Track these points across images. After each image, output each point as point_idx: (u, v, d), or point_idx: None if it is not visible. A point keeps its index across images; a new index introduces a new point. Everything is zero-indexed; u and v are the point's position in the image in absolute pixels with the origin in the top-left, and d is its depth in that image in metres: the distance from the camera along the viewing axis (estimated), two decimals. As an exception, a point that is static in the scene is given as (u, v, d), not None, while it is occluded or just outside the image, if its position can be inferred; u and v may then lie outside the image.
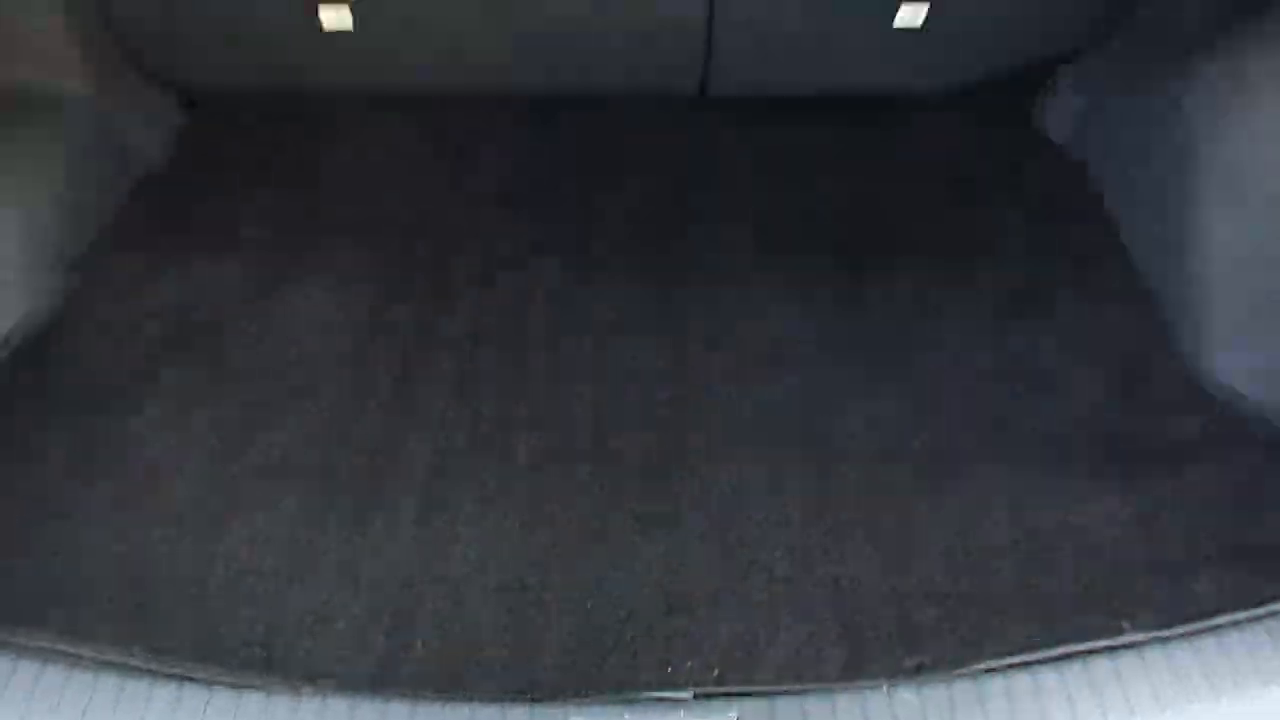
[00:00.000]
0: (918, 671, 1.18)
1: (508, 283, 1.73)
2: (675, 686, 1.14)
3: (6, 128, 1.71)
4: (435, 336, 1.63)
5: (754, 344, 1.63)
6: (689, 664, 1.21)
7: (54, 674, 1.11)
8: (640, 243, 1.80)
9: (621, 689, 1.15)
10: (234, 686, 1.12)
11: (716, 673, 1.20)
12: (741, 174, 1.97)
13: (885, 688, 1.13)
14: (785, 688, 1.14)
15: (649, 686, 1.15)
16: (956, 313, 1.67)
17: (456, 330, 1.64)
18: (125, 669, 1.14)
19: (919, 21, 1.98)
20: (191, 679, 1.12)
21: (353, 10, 1.91)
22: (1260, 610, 1.20)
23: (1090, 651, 1.17)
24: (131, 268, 1.71)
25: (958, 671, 1.16)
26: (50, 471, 1.41)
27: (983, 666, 1.17)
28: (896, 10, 1.95)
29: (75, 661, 1.14)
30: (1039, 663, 1.16)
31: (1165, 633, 1.19)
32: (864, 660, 1.21)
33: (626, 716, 1.09)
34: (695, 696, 1.12)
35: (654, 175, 1.95)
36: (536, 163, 1.99)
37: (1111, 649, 1.17)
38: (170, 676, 1.13)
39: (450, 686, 1.17)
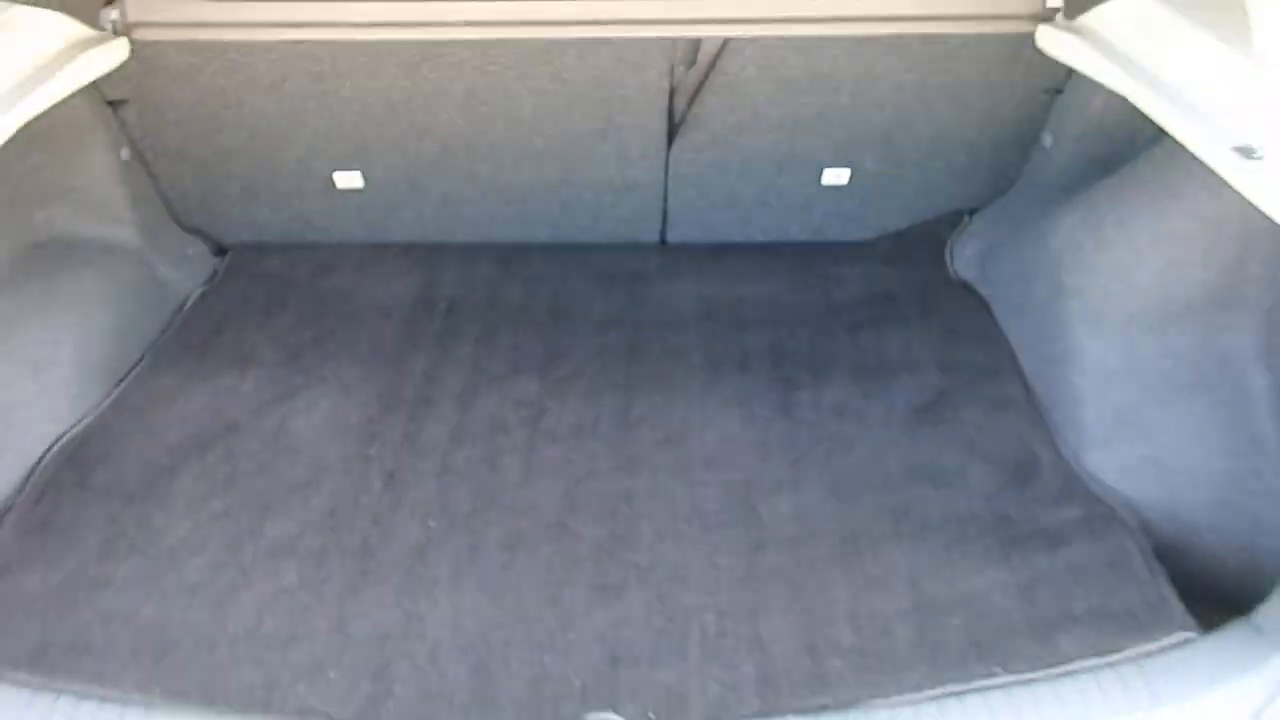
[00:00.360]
0: (822, 710, 1.38)
1: (487, 397, 2.00)
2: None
3: (68, 268, 2.03)
4: (421, 441, 1.89)
5: (698, 447, 1.89)
6: (629, 707, 1.41)
7: (89, 706, 1.32)
8: (603, 364, 2.09)
9: (568, 724, 1.35)
10: (241, 715, 1.32)
11: (652, 715, 1.41)
12: (693, 308, 2.27)
13: (790, 718, 1.33)
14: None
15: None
16: (873, 420, 1.93)
17: (440, 435, 1.91)
18: (149, 705, 1.35)
19: (844, 181, 2.34)
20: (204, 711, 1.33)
21: (363, 173, 2.27)
22: (1109, 659, 1.41)
23: (966, 691, 1.38)
24: (166, 382, 2.00)
25: (854, 707, 1.36)
26: (88, 549, 1.64)
27: (876, 704, 1.37)
28: (822, 172, 2.31)
29: (106, 698, 1.35)
30: (923, 700, 1.37)
31: (1030, 675, 1.40)
32: (778, 704, 1.41)
33: (569, 740, 1.29)
34: (630, 709, 1.33)
35: (617, 308, 2.26)
36: (515, 299, 2.30)
37: (984, 689, 1.38)
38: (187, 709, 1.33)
39: (423, 724, 1.38)
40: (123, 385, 1.99)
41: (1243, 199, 1.35)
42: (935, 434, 1.90)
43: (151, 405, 1.94)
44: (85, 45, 1.75)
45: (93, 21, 1.78)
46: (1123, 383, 1.81)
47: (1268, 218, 1.32)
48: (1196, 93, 1.44)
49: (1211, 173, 1.45)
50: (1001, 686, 1.38)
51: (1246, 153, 1.29)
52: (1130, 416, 1.79)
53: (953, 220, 2.44)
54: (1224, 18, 1.35)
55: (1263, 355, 1.70)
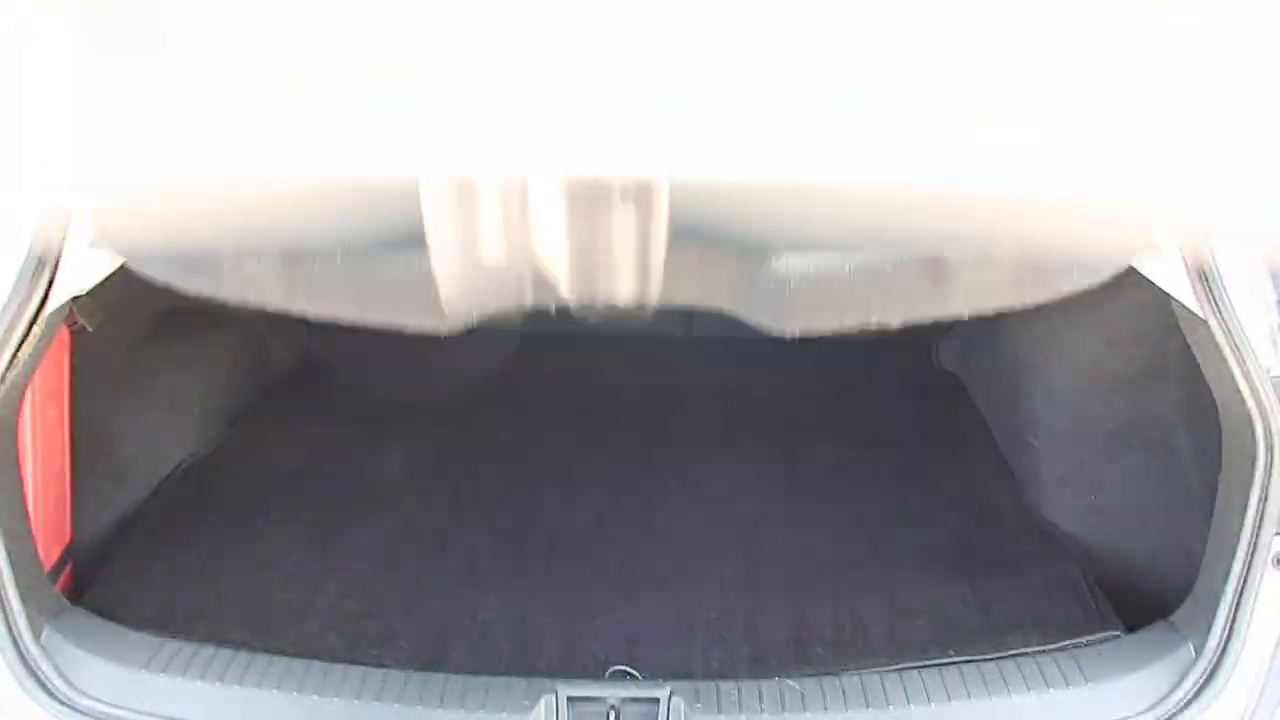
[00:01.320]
0: (804, 678, 1.66)
1: (534, 446, 2.37)
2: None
3: (199, 332, 2.46)
4: (474, 479, 2.25)
5: (711, 492, 2.22)
6: (644, 673, 1.70)
7: (205, 651, 1.62)
8: (634, 424, 2.46)
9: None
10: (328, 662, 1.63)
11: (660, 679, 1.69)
12: (714, 385, 2.66)
13: (778, 679, 1.61)
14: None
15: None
16: (862, 474, 2.26)
17: (490, 476, 2.27)
18: (253, 654, 1.67)
19: (844, 285, 2.75)
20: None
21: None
22: (1045, 648, 1.68)
23: (925, 667, 1.65)
24: (268, 427, 2.40)
25: (830, 675, 1.64)
26: (204, 549, 1.99)
27: (848, 674, 1.65)
28: (825, 276, 2.72)
29: (221, 645, 1.67)
30: (888, 673, 1.64)
31: (977, 658, 1.67)
32: (767, 675, 1.69)
33: (594, 686, 1.57)
34: (643, 676, 1.62)
35: (649, 383, 2.65)
36: (563, 375, 2.70)
37: (940, 666, 1.65)
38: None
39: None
40: (234, 426, 2.39)
41: (1163, 290, 1.72)
42: (915, 486, 2.22)
43: (256, 443, 2.34)
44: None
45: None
46: (1072, 443, 2.13)
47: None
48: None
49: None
50: (955, 664, 1.65)
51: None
52: (1079, 471, 2.10)
53: (939, 322, 2.82)
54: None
55: (1186, 419, 2.01)
